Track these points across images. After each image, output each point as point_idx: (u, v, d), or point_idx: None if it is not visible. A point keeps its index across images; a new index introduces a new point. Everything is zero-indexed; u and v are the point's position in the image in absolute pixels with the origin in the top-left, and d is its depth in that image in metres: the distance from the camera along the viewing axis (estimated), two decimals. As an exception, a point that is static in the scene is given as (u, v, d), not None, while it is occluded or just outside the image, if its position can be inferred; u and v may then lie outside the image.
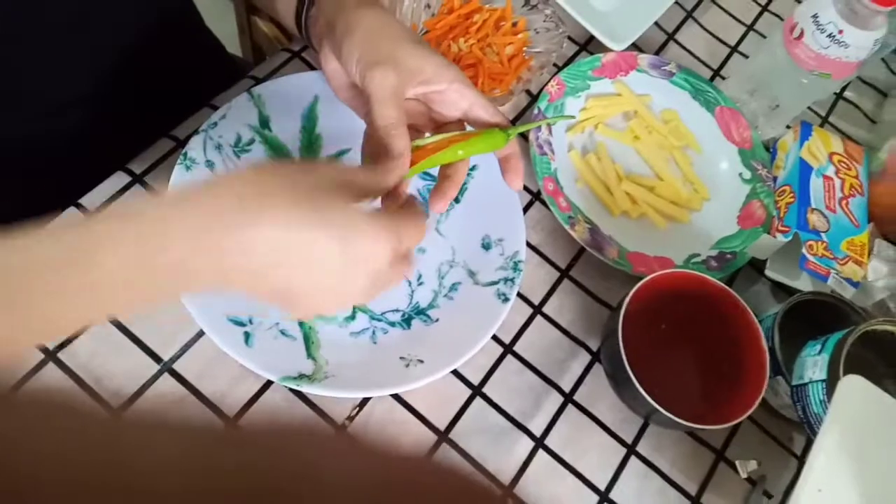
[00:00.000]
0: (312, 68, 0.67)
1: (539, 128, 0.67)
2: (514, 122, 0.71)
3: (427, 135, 0.49)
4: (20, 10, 0.50)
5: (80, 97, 0.60)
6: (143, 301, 0.35)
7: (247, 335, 0.52)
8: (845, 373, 0.52)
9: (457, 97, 0.48)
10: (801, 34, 0.66)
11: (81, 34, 0.55)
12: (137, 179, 0.58)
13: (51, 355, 0.51)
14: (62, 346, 0.51)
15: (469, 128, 0.50)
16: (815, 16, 0.65)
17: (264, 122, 0.61)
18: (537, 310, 0.62)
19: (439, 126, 0.50)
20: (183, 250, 0.33)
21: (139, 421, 0.21)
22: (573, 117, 0.52)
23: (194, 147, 0.57)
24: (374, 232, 0.37)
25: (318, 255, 0.36)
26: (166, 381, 0.52)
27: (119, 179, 0.58)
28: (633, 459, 0.58)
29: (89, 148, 0.62)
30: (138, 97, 0.65)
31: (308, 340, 0.55)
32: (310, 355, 0.54)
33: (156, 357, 0.52)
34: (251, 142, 0.60)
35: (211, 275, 0.35)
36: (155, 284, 0.34)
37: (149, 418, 0.21)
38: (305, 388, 0.51)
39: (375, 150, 0.46)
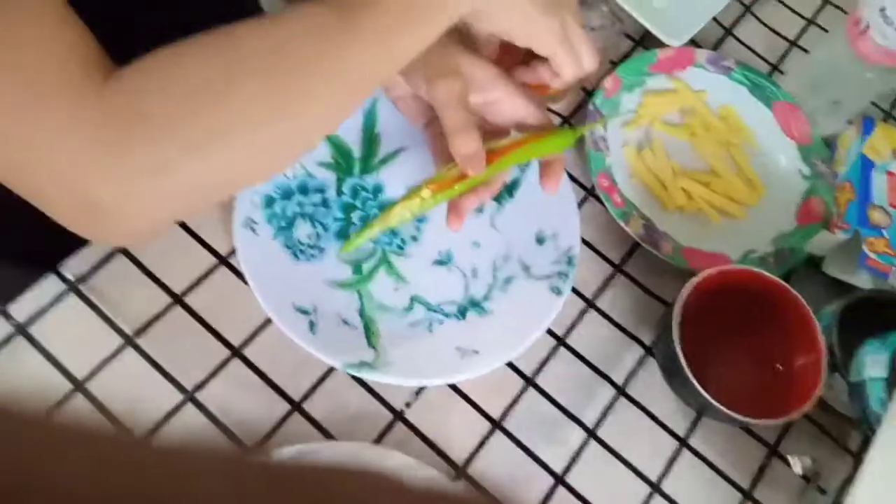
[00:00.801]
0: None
1: (594, 124, 0.68)
2: (569, 119, 0.71)
3: None
4: None
5: None
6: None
7: (311, 323, 0.55)
8: (906, 371, 0.52)
9: (510, 108, 0.50)
10: (867, 28, 0.65)
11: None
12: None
13: (129, 340, 0.54)
14: (138, 333, 0.54)
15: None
16: (882, 9, 0.64)
17: (327, 120, 0.64)
18: (590, 304, 0.63)
19: (489, 136, 0.52)
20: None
21: (178, 449, 0.21)
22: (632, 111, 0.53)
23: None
24: None
25: None
26: (236, 365, 0.55)
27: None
28: (685, 452, 0.59)
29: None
30: None
31: (368, 330, 0.57)
32: (370, 344, 0.56)
33: (227, 343, 0.55)
34: (314, 139, 0.63)
35: None
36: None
37: (187, 447, 0.20)
38: (366, 375, 0.54)
39: (448, 156, 0.48)
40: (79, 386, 0.52)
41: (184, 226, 0.58)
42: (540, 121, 0.51)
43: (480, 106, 0.51)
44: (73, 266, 0.55)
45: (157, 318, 0.55)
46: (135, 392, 0.53)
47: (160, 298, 0.56)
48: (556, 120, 0.71)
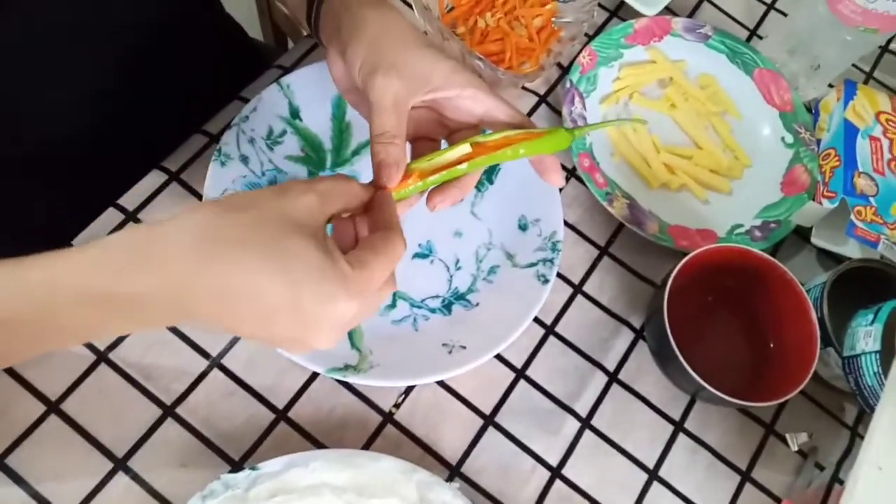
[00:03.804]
0: (339, 53, 0.66)
1: (573, 102, 0.66)
2: (545, 97, 0.69)
3: (442, 143, 0.47)
4: (40, 7, 0.50)
5: (103, 92, 0.60)
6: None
7: (291, 329, 0.53)
8: (900, 343, 0.51)
9: (470, 103, 0.45)
10: (845, -11, 0.63)
11: (101, 28, 0.55)
12: (174, 177, 0.58)
13: (102, 356, 0.52)
14: (112, 347, 0.52)
15: (486, 130, 0.46)
16: (859, -31, 0.62)
17: (294, 113, 0.61)
18: (577, 289, 0.62)
19: (452, 132, 0.47)
20: (132, 289, 0.33)
21: None
22: (644, 121, 0.47)
23: (228, 142, 0.57)
24: (333, 285, 0.34)
25: (267, 307, 0.34)
26: (216, 376, 0.53)
27: (156, 178, 0.58)
28: (681, 436, 0.58)
29: (121, 144, 0.62)
30: (163, 89, 0.65)
31: (351, 331, 0.55)
32: (354, 346, 0.54)
33: (204, 353, 0.53)
34: (283, 133, 0.60)
35: (167, 320, 0.35)
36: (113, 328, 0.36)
37: None
38: (352, 379, 0.52)
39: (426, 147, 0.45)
40: (52, 407, 0.50)
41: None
42: (509, 116, 0.46)
43: (435, 101, 0.46)
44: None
45: (127, 333, 0.53)
46: (113, 408, 0.51)
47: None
48: (532, 99, 0.69)
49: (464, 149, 0.43)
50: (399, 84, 0.42)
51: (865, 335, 0.54)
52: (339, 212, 0.39)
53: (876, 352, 0.52)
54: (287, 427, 0.53)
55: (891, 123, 0.68)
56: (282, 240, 0.34)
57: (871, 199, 0.62)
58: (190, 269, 0.33)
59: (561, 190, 0.64)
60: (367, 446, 0.53)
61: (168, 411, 0.51)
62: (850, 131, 0.66)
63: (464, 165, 0.43)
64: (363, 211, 0.41)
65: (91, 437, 0.50)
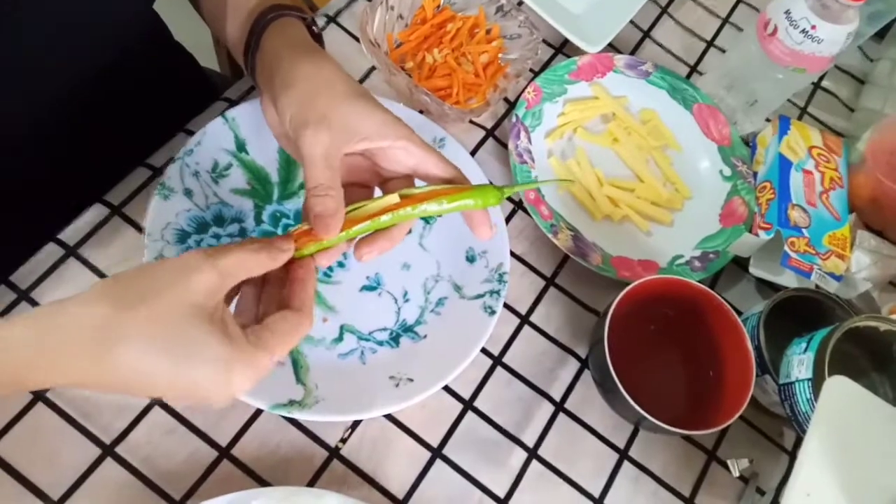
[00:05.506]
0: (288, 87, 0.67)
1: (518, 136, 0.67)
2: (492, 131, 0.70)
3: (376, 191, 0.48)
4: None
5: (48, 123, 0.59)
6: None
7: (234, 364, 0.52)
8: (831, 370, 0.53)
9: (402, 155, 0.46)
10: (775, 30, 0.66)
11: (48, 58, 0.55)
12: (116, 211, 0.58)
13: (39, 394, 0.50)
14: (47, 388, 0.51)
15: (420, 182, 0.47)
16: (787, 11, 0.65)
17: (241, 146, 0.61)
18: (524, 319, 0.62)
19: (385, 181, 0.48)
20: (38, 380, 0.36)
21: None
22: (571, 181, 0.48)
23: (171, 175, 0.57)
24: (231, 372, 0.36)
25: (167, 394, 0.37)
26: (157, 413, 0.52)
27: (98, 212, 0.58)
28: (626, 464, 0.59)
29: (64, 176, 0.61)
30: (110, 121, 0.64)
31: (297, 365, 0.55)
32: (299, 380, 0.54)
33: (144, 391, 0.52)
34: (228, 166, 0.60)
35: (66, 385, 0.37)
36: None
37: None
38: (297, 415, 0.51)
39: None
40: (-19, 453, 0.48)
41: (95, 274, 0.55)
42: (441, 169, 0.46)
43: (369, 150, 0.46)
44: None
45: (66, 370, 0.51)
46: (49, 448, 0.49)
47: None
48: (480, 133, 0.70)
49: (391, 200, 0.44)
50: (329, 136, 0.43)
51: (799, 363, 0.56)
52: (241, 282, 0.40)
53: (808, 379, 0.54)
54: (230, 465, 0.52)
55: (822, 157, 0.71)
56: (180, 334, 0.36)
57: (804, 231, 0.65)
58: (88, 371, 0.35)
59: (508, 222, 0.66)
60: (312, 482, 0.53)
61: (107, 450, 0.50)
62: (784, 165, 0.69)
63: (388, 217, 0.43)
64: (282, 274, 0.42)
65: (25, 479, 0.48)
